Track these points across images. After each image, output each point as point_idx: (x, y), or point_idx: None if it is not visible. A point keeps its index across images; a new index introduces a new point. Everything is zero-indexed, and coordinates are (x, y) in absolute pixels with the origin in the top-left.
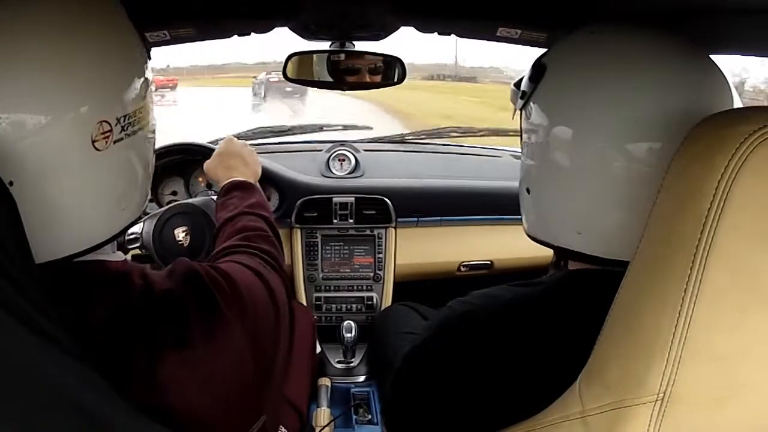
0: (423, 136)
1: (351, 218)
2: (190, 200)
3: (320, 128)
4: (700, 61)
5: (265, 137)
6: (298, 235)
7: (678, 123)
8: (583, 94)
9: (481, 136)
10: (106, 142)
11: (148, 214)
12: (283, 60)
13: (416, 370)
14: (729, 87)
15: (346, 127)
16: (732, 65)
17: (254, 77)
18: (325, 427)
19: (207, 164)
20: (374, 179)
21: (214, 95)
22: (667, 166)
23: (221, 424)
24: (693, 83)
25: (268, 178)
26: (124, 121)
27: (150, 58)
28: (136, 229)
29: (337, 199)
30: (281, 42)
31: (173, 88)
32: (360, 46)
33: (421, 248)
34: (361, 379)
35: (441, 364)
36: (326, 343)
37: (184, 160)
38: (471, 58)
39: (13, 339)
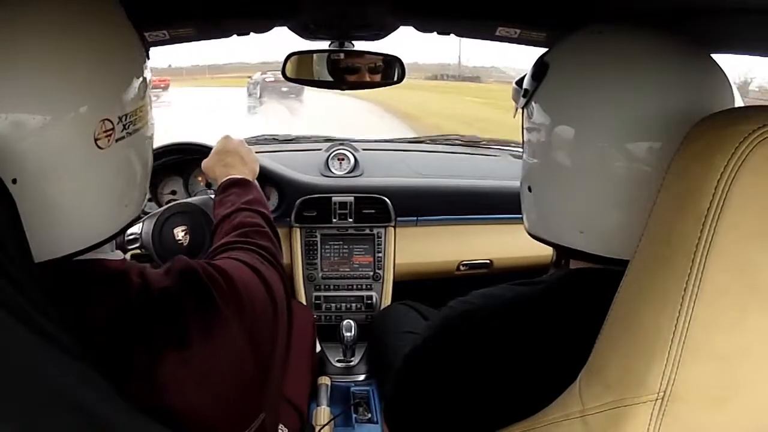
0: (424, 141)
1: (350, 217)
2: (189, 199)
3: (325, 138)
4: (701, 60)
5: (270, 144)
6: (297, 234)
7: (679, 123)
8: (585, 93)
9: (484, 146)
10: (109, 140)
11: (148, 213)
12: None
13: (417, 370)
14: (730, 86)
15: (364, 143)
16: (738, 66)
17: (249, 77)
18: (324, 425)
19: (205, 163)
20: (373, 178)
21: (213, 96)
22: (667, 165)
23: (221, 423)
24: (694, 83)
25: (267, 177)
26: (125, 119)
27: (149, 58)
28: (136, 229)
29: (336, 198)
30: (283, 42)
31: (165, 88)
32: (359, 45)
33: (420, 247)
34: (361, 378)
35: (442, 363)
36: (326, 342)
37: (183, 160)
38: (474, 57)
39: (13, 339)
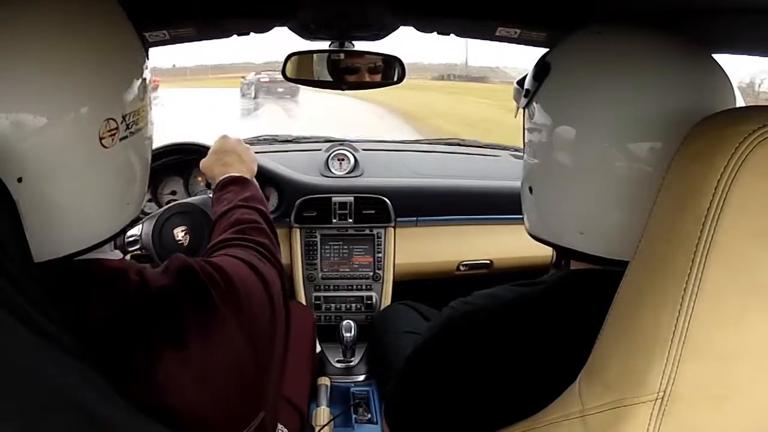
0: (425, 143)
1: (350, 218)
2: (188, 199)
3: (326, 140)
4: (701, 60)
5: (271, 145)
6: (297, 234)
7: (679, 122)
8: (586, 93)
9: (487, 148)
10: (113, 139)
11: (148, 214)
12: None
13: (418, 370)
14: (731, 86)
15: (365, 142)
16: (747, 67)
17: (242, 77)
18: (324, 426)
19: (203, 162)
20: (373, 179)
21: (205, 97)
22: (668, 165)
23: (220, 422)
24: (695, 83)
25: (267, 177)
26: (129, 119)
27: (148, 58)
28: (135, 230)
29: (336, 198)
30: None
31: (154, 89)
32: (359, 45)
33: (420, 248)
34: (361, 378)
35: (443, 363)
36: (326, 342)
37: (182, 160)
38: (481, 57)
39: (13, 338)
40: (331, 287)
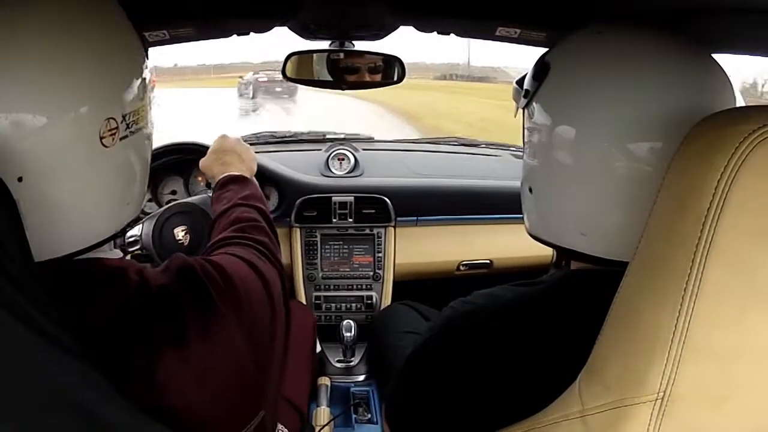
0: (424, 142)
1: (350, 217)
2: (188, 199)
3: (323, 136)
4: (701, 60)
5: (269, 143)
6: (297, 234)
7: (680, 122)
8: (586, 93)
9: (484, 148)
10: (113, 138)
11: (148, 214)
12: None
13: (418, 370)
14: (731, 86)
15: (348, 137)
16: (749, 66)
17: (240, 77)
18: (324, 426)
19: (202, 162)
20: (373, 178)
21: (204, 97)
22: (668, 165)
23: (220, 421)
24: (695, 83)
25: (267, 177)
26: (129, 118)
27: (148, 58)
28: (136, 231)
29: (336, 198)
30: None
31: (151, 89)
32: (360, 45)
33: (420, 247)
34: (361, 378)
35: (443, 363)
36: (326, 342)
37: (183, 160)
38: (483, 57)
39: (14, 338)
40: (332, 287)
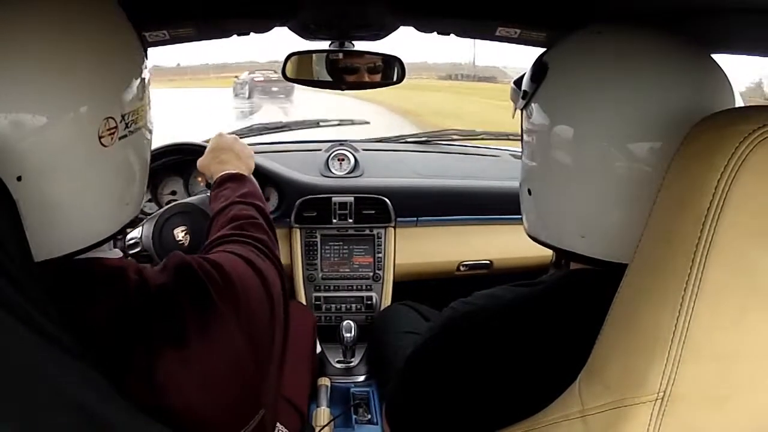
0: (423, 138)
1: (350, 218)
2: (188, 199)
3: (316, 123)
4: (701, 60)
5: (262, 134)
6: (297, 234)
7: (679, 122)
8: (586, 93)
9: (481, 139)
10: (112, 138)
11: (148, 214)
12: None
13: (419, 371)
14: (730, 86)
15: (342, 122)
16: (753, 66)
17: (236, 77)
18: (324, 426)
19: (200, 161)
20: (373, 179)
21: (214, 96)
22: (668, 165)
23: (221, 421)
24: (694, 83)
25: (267, 177)
26: (128, 118)
27: (147, 58)
28: (136, 233)
29: (336, 198)
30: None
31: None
32: (360, 45)
33: (420, 248)
34: (361, 378)
35: (443, 363)
36: (326, 342)
37: (182, 160)
38: (489, 57)
39: (14, 338)
40: (332, 287)
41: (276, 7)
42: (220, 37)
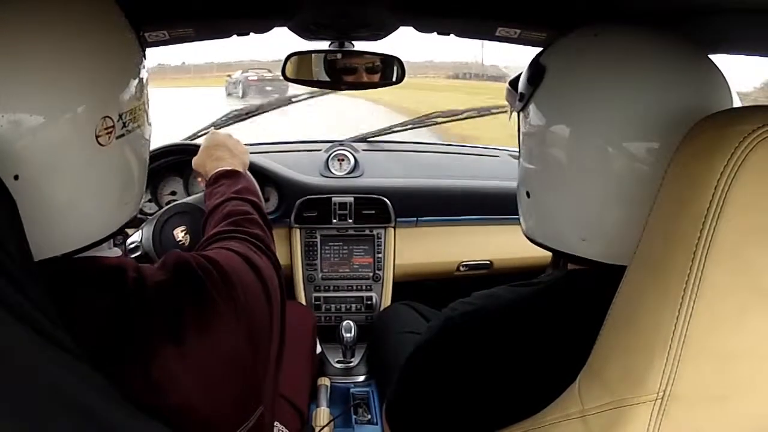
0: (409, 126)
1: (350, 218)
2: (186, 199)
3: (288, 101)
4: (699, 60)
5: (238, 121)
6: (297, 235)
7: (679, 122)
8: (585, 95)
9: (465, 118)
10: (109, 137)
11: (148, 214)
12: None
13: (419, 371)
14: (728, 86)
15: (312, 95)
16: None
17: (228, 76)
18: (324, 426)
19: (195, 160)
20: (373, 179)
21: (214, 95)
22: (667, 165)
23: (220, 418)
24: (693, 83)
25: (267, 177)
26: (125, 117)
27: (145, 58)
28: (136, 237)
29: (336, 199)
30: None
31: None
32: (360, 46)
33: (420, 248)
34: (361, 378)
35: (443, 363)
36: (326, 343)
37: (182, 161)
38: (497, 56)
39: (13, 338)
40: (331, 288)
41: (276, 8)
42: (220, 38)
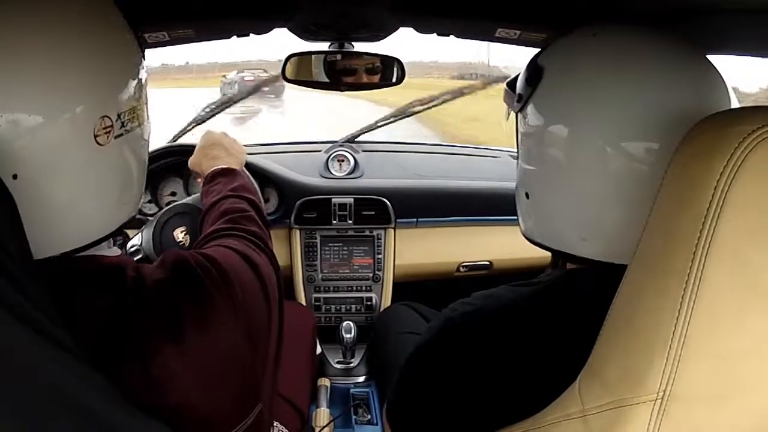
0: (391, 119)
1: (350, 219)
2: (184, 200)
3: (257, 88)
4: (697, 61)
5: (215, 113)
6: (297, 235)
7: (679, 122)
8: (584, 95)
9: (443, 102)
10: (108, 136)
11: (148, 215)
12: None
13: (419, 371)
14: (725, 86)
15: (267, 70)
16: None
17: (223, 76)
18: (324, 427)
19: (191, 160)
20: (373, 180)
21: (215, 96)
22: (666, 165)
23: (219, 415)
24: (692, 83)
25: (267, 178)
26: (124, 117)
27: (144, 58)
28: (136, 240)
29: (336, 199)
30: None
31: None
32: (360, 47)
33: (420, 249)
34: (361, 379)
35: (443, 363)
36: (326, 343)
37: (182, 161)
38: (503, 56)
39: (13, 338)
40: (331, 288)
41: (276, 8)
42: (220, 38)
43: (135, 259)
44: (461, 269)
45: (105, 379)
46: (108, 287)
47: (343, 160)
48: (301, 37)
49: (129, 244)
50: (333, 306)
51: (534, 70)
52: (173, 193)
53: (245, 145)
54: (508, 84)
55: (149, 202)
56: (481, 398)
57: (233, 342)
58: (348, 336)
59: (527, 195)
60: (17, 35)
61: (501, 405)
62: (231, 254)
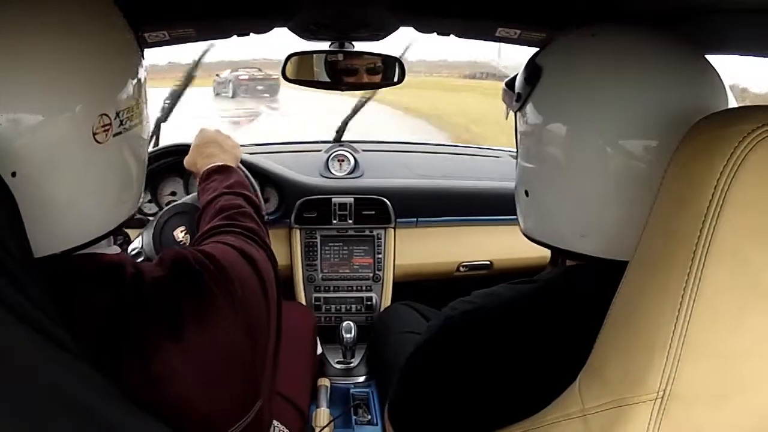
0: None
1: (350, 219)
2: (183, 199)
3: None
4: (695, 61)
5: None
6: (297, 235)
7: (678, 122)
8: (583, 94)
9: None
10: (107, 134)
11: (148, 215)
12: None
13: (419, 370)
14: (723, 86)
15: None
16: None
17: (217, 75)
18: (324, 427)
19: (186, 160)
20: (373, 180)
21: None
22: (666, 164)
23: (219, 413)
24: (690, 82)
25: (267, 178)
26: (122, 115)
27: (144, 58)
28: (136, 243)
29: (336, 199)
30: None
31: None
32: (361, 46)
33: (420, 248)
34: (361, 379)
35: (443, 363)
36: (326, 343)
37: (181, 161)
38: (513, 54)
39: (13, 338)
40: (331, 288)
41: (276, 8)
42: (220, 38)
43: (137, 262)
44: (461, 269)
45: (105, 377)
46: (107, 285)
47: (343, 160)
48: (301, 37)
49: (130, 247)
50: (333, 306)
51: (533, 70)
52: (173, 193)
53: (245, 145)
54: (506, 83)
55: (149, 201)
56: (481, 397)
57: (233, 338)
58: (348, 336)
59: (527, 193)
60: (18, 35)
61: (501, 404)
62: (229, 250)
